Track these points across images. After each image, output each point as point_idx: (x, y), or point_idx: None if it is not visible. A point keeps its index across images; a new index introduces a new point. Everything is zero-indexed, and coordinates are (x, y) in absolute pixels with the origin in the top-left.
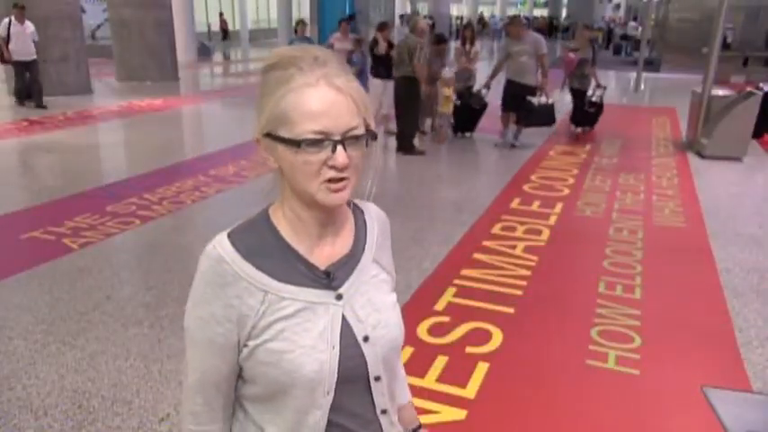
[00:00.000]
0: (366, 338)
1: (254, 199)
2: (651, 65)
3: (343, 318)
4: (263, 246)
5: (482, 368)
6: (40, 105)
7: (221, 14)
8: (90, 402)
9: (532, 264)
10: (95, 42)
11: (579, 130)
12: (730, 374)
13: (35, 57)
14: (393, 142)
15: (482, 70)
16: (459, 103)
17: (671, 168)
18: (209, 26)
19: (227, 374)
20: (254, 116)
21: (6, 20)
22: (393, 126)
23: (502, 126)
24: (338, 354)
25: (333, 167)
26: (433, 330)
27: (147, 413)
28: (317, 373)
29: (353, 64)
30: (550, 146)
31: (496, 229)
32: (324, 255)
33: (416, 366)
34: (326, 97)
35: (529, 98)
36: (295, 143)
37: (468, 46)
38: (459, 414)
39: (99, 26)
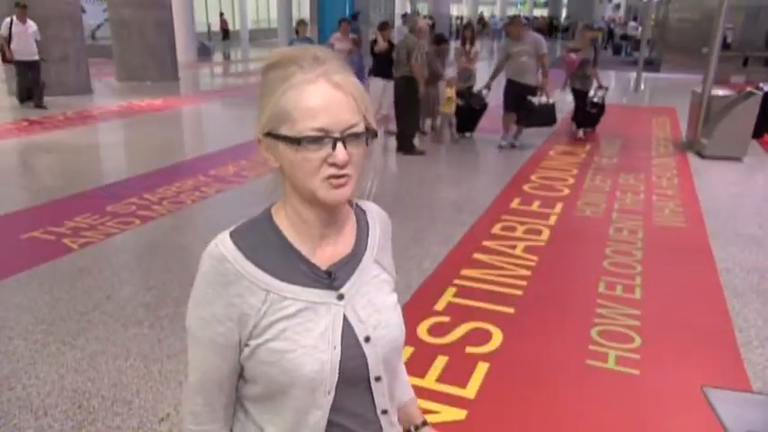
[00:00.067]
0: (367, 339)
1: (255, 199)
2: (651, 65)
3: (345, 318)
4: (265, 245)
5: (482, 368)
6: (40, 105)
7: (221, 14)
8: (90, 402)
9: (532, 264)
10: (95, 42)
11: (581, 133)
12: (730, 374)
13: (37, 57)
14: (393, 142)
15: (482, 70)
16: (461, 103)
17: (671, 168)
18: (209, 26)
19: (229, 374)
20: (254, 116)
21: (8, 19)
22: (393, 126)
23: (504, 127)
24: (339, 354)
25: (333, 165)
26: (433, 330)
27: (147, 413)
28: (317, 373)
29: (351, 65)
30: (550, 146)
31: (496, 229)
32: (325, 255)
33: (416, 366)
34: (326, 94)
35: (529, 98)
36: (295, 140)
37: (468, 46)
38: (459, 414)
39: (99, 26)
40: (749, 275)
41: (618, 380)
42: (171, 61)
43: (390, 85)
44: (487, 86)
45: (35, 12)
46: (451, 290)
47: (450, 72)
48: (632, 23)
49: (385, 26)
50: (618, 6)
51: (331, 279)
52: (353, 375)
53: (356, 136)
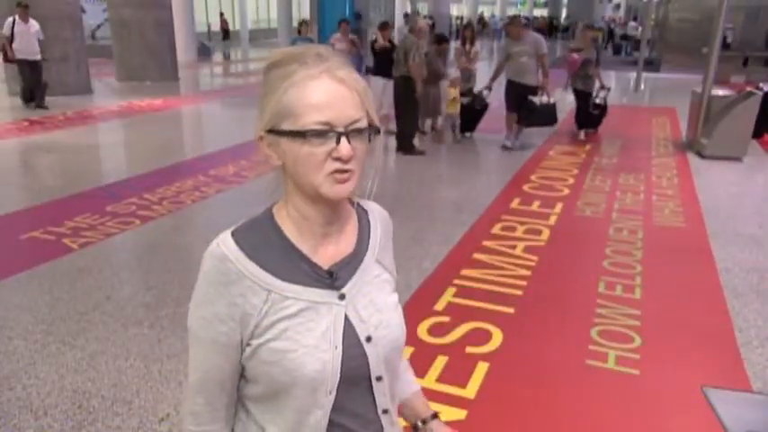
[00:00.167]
0: (369, 339)
1: (255, 199)
2: (651, 65)
3: (346, 318)
4: (266, 244)
5: (482, 368)
6: (41, 106)
7: (222, 14)
8: (90, 402)
9: (532, 264)
10: (95, 42)
11: (582, 134)
12: (730, 374)
13: (39, 56)
14: (393, 142)
15: (482, 70)
16: (465, 101)
17: (671, 168)
18: (208, 26)
19: (230, 374)
20: (254, 116)
21: (10, 19)
22: (393, 126)
23: (507, 128)
24: (341, 354)
25: (337, 159)
26: (433, 330)
27: (147, 413)
28: (319, 373)
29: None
30: (550, 146)
31: (496, 229)
32: (327, 254)
33: (416, 366)
34: (330, 89)
35: (530, 98)
36: (300, 134)
37: (468, 46)
38: (459, 414)
39: (99, 26)
40: (749, 275)
41: (618, 380)
42: (171, 61)
43: (391, 84)
44: (488, 87)
45: (35, 11)
46: (451, 290)
47: (454, 72)
48: (632, 23)
49: (385, 26)
50: (618, 6)
51: (332, 279)
52: (355, 375)
53: (359, 131)
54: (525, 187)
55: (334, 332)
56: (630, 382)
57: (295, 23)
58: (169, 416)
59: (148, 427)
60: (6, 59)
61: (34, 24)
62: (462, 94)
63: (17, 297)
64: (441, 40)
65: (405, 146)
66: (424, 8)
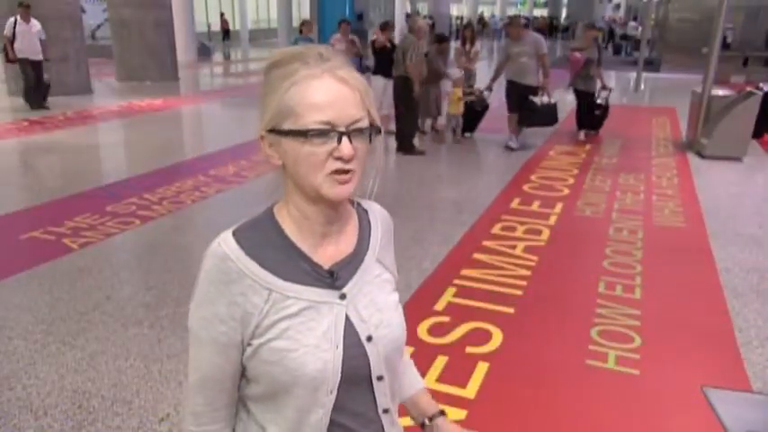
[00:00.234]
0: (369, 338)
1: (255, 199)
2: (651, 65)
3: (347, 317)
4: (267, 244)
5: (482, 368)
6: (42, 106)
7: (222, 14)
8: (90, 402)
9: (532, 264)
10: (95, 42)
11: (582, 135)
12: (730, 374)
13: (41, 56)
14: (393, 142)
15: (482, 70)
16: (472, 99)
17: (671, 168)
18: (208, 26)
19: (231, 374)
20: (254, 116)
21: (12, 19)
22: (393, 126)
23: (510, 129)
24: (342, 353)
25: (339, 159)
26: (433, 330)
27: (147, 413)
28: (320, 372)
29: None
30: (550, 146)
31: (496, 229)
32: (328, 254)
33: (416, 366)
34: (331, 89)
35: (531, 98)
36: (301, 134)
37: (468, 46)
38: (459, 414)
39: (99, 26)
40: (749, 275)
41: (618, 380)
42: (171, 61)
43: (391, 84)
44: (489, 88)
45: (35, 12)
46: (451, 290)
47: (457, 73)
48: (632, 23)
49: (386, 26)
50: (618, 6)
51: (333, 278)
52: (355, 375)
53: (361, 131)
54: (525, 187)
55: (335, 332)
56: (630, 382)
57: (295, 23)
58: (169, 416)
59: (148, 427)
60: (8, 60)
61: (36, 24)
62: (465, 94)
63: (17, 297)
64: (441, 40)
65: (405, 146)
66: (424, 8)
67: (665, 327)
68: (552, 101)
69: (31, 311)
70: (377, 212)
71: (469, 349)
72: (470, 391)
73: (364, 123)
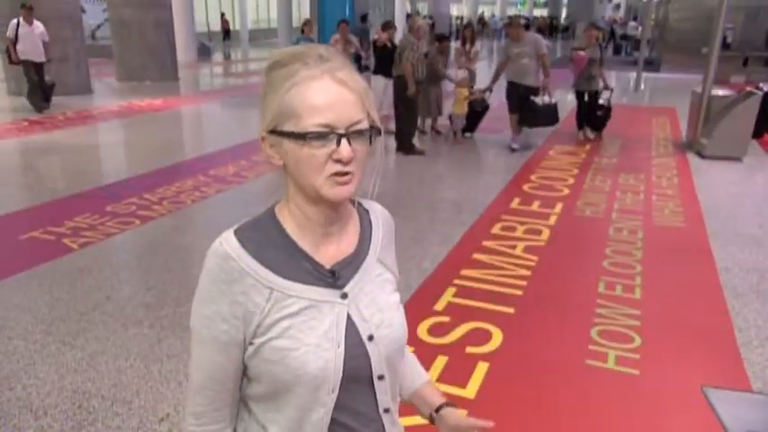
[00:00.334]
0: (370, 337)
1: (255, 199)
2: (651, 65)
3: (348, 317)
4: (269, 243)
5: (482, 368)
6: (44, 106)
7: (223, 14)
8: (90, 402)
9: (532, 264)
10: (95, 42)
11: (582, 135)
12: (730, 374)
13: (44, 58)
14: (393, 142)
15: (482, 70)
16: (481, 95)
17: (671, 168)
18: (208, 26)
19: (233, 373)
20: (254, 116)
21: (15, 21)
22: (393, 126)
23: (512, 130)
24: (343, 352)
25: (338, 161)
26: (433, 330)
27: (147, 413)
28: (321, 371)
29: None
30: (550, 146)
31: (496, 229)
32: (329, 253)
33: None
34: (331, 90)
35: (532, 98)
36: (301, 136)
37: (468, 46)
38: None
39: (99, 26)
40: (749, 275)
41: (618, 380)
42: (171, 61)
43: (391, 83)
44: (489, 89)
45: (36, 12)
46: (451, 290)
47: (462, 73)
48: (632, 23)
49: (387, 26)
50: (618, 6)
51: (335, 278)
52: (357, 374)
53: (360, 133)
54: (525, 187)
55: (337, 331)
56: (630, 382)
57: (295, 23)
58: (169, 416)
59: (148, 427)
60: (11, 62)
61: (39, 26)
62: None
63: (17, 297)
64: (441, 39)
65: (404, 146)
66: (423, 8)
67: (665, 327)
68: (553, 101)
69: (31, 311)
70: (378, 212)
71: (469, 349)
72: (470, 391)
73: (364, 125)
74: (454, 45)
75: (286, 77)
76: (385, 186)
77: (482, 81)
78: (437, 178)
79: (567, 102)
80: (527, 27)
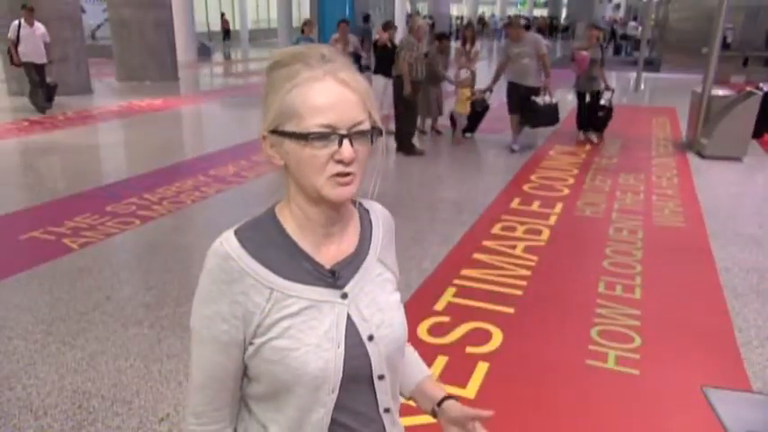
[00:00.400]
0: (371, 337)
1: (255, 199)
2: (651, 65)
3: (348, 317)
4: (269, 243)
5: (482, 368)
6: (46, 106)
7: (223, 14)
8: (90, 402)
9: (532, 264)
10: (95, 42)
11: (582, 135)
12: (730, 374)
13: (46, 60)
14: (393, 142)
15: (481, 70)
16: (484, 95)
17: (671, 168)
18: (208, 26)
19: (233, 372)
20: (254, 116)
21: (16, 22)
22: (393, 126)
23: (512, 131)
24: (343, 352)
25: (340, 162)
26: (433, 330)
27: (146, 413)
28: (322, 371)
29: None
30: (550, 146)
31: (496, 229)
32: (329, 253)
33: None
34: (333, 91)
35: (533, 98)
36: (302, 137)
37: (468, 46)
38: None
39: (99, 26)
40: (749, 275)
41: (618, 380)
42: (171, 61)
43: (392, 83)
44: (489, 89)
45: (35, 13)
46: (451, 290)
47: (464, 73)
48: (632, 23)
49: (387, 26)
50: (618, 6)
51: (335, 278)
52: (357, 374)
53: (362, 133)
54: (525, 187)
55: (337, 331)
56: (630, 382)
57: (295, 23)
58: (169, 416)
59: (148, 427)
60: (13, 63)
61: (40, 27)
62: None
63: (17, 297)
64: (441, 37)
65: (405, 146)
66: (424, 8)
67: (665, 327)
68: (554, 101)
69: (31, 311)
70: (378, 212)
71: (469, 349)
72: (470, 391)
73: (366, 126)
74: (454, 45)
75: (288, 78)
76: (385, 186)
77: (482, 81)
78: (437, 178)
79: (567, 102)
80: (527, 27)
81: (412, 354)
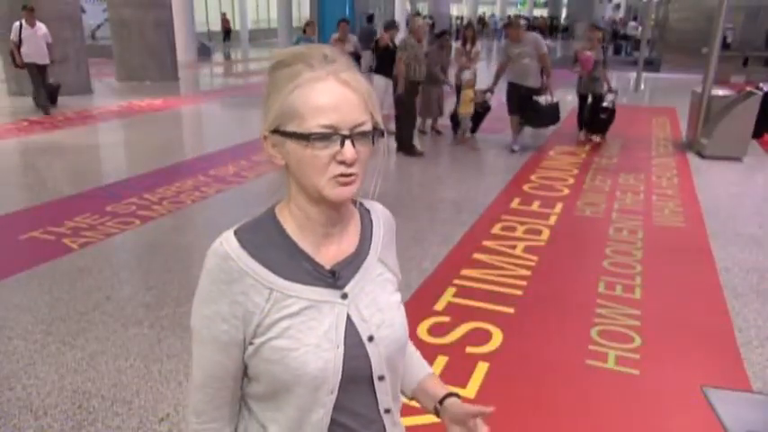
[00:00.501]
0: (371, 338)
1: (255, 199)
2: (651, 65)
3: (348, 317)
4: (269, 243)
5: (482, 368)
6: (48, 106)
7: (224, 15)
8: (90, 402)
9: (532, 264)
10: (95, 42)
11: (582, 135)
12: (730, 374)
13: (48, 60)
14: (393, 143)
15: (481, 70)
16: (486, 96)
17: (671, 168)
18: (208, 26)
19: (233, 372)
20: (254, 116)
21: (17, 23)
22: (393, 126)
23: (513, 132)
24: (343, 353)
25: (341, 162)
26: (433, 330)
27: (146, 413)
28: (321, 372)
29: None
30: (550, 146)
31: (496, 229)
32: (329, 254)
33: None
34: (335, 92)
35: (535, 98)
36: (304, 137)
37: (468, 46)
38: None
39: (99, 26)
40: (749, 275)
41: (618, 380)
42: (171, 61)
43: (392, 83)
44: (490, 90)
45: (36, 13)
46: (451, 290)
47: (468, 74)
48: (632, 23)
49: (389, 26)
50: (618, 6)
51: (335, 278)
52: (357, 374)
53: (364, 134)
54: (525, 187)
55: (337, 331)
56: (630, 382)
57: (295, 24)
58: (169, 416)
59: (148, 427)
60: (15, 65)
61: (41, 27)
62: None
63: (17, 297)
64: (441, 34)
65: (405, 146)
66: (424, 8)
67: (665, 327)
68: (555, 100)
69: (31, 311)
70: (379, 212)
71: (469, 349)
72: (470, 391)
73: (367, 127)
74: (454, 45)
75: (290, 78)
76: (385, 187)
77: (482, 81)
78: (437, 178)
79: (567, 101)
80: (528, 28)
81: (414, 352)
